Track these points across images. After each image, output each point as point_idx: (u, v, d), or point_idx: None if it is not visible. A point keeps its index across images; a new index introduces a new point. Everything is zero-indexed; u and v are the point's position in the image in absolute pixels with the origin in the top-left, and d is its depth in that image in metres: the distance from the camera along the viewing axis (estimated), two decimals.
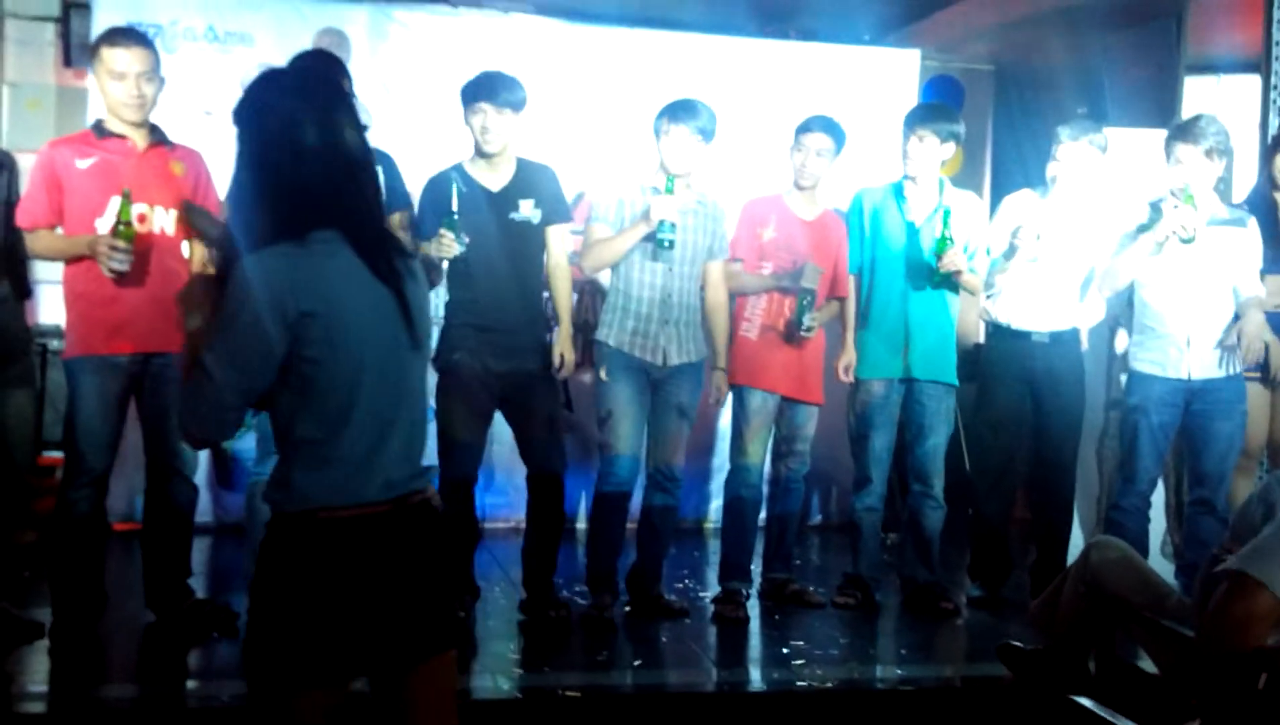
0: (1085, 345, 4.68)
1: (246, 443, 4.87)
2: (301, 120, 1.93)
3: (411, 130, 5.26)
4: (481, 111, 4.00)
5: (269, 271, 1.88)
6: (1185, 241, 4.07)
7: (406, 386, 2.02)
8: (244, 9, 5.11)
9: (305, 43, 5.03)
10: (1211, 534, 4.09)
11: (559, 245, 4.19)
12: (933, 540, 4.49)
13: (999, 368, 4.58)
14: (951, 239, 4.22)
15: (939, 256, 4.21)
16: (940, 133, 4.35)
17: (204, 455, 4.76)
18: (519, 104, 4.04)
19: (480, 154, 4.06)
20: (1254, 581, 1.99)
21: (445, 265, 4.05)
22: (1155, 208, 4.19)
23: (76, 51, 5.32)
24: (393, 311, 1.98)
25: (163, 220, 3.70)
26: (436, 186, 4.06)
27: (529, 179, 4.11)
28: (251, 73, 5.21)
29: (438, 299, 4.22)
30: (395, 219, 4.07)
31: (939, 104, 5.14)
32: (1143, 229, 4.18)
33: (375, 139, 4.81)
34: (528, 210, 4.06)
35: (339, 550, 1.90)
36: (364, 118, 2.06)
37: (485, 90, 4.00)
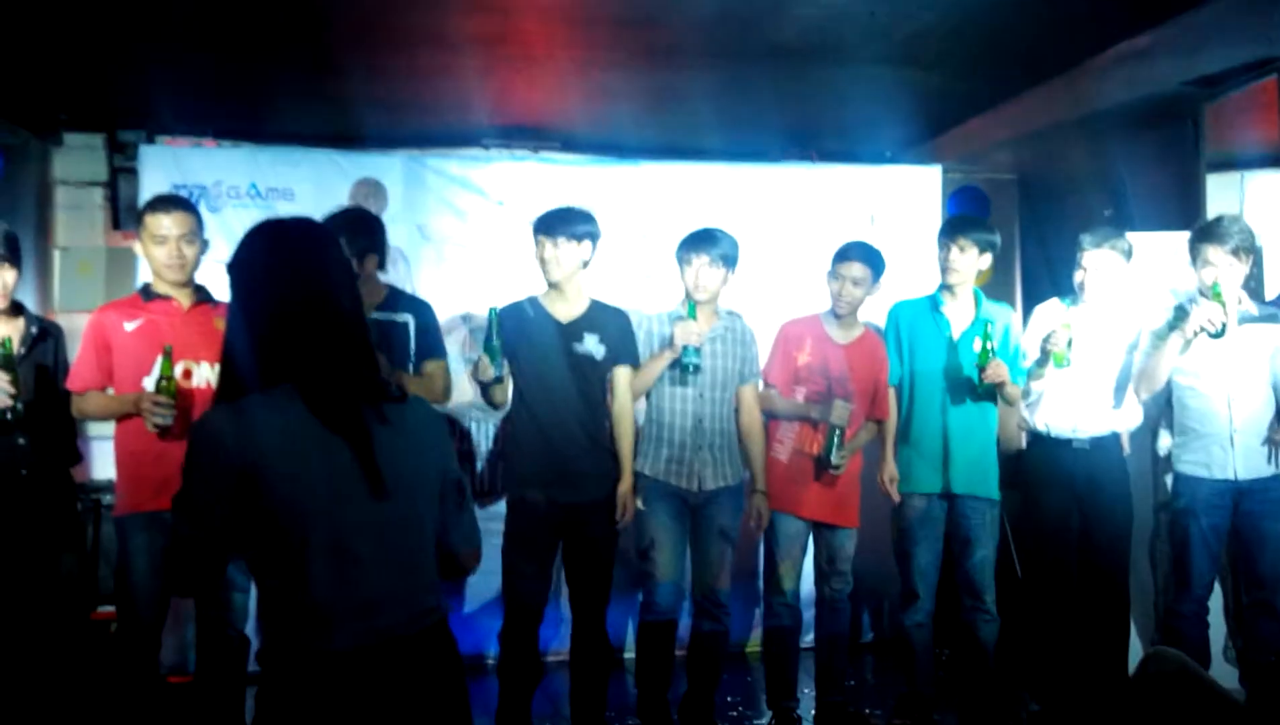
0: (1127, 449, 4.65)
1: None
2: (270, 274, 2.07)
3: (448, 270, 5.42)
4: (540, 244, 4.11)
5: (212, 427, 1.99)
6: (1214, 336, 4.06)
7: (379, 533, 2.02)
8: (284, 165, 5.30)
9: (343, 194, 5.24)
10: (1273, 636, 4.00)
11: (624, 387, 4.21)
12: (989, 653, 4.42)
13: (1042, 475, 4.55)
14: (994, 351, 4.23)
15: (982, 369, 4.21)
16: (980, 243, 4.41)
17: (254, 605, 4.79)
18: (580, 236, 4.14)
19: (550, 284, 4.16)
20: None
21: (508, 391, 4.13)
22: (1181, 309, 4.20)
23: (124, 215, 5.53)
24: (346, 462, 2.00)
25: (207, 375, 3.81)
26: (499, 314, 4.13)
27: (599, 317, 4.20)
28: None
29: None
30: (428, 366, 4.16)
31: (974, 216, 5.20)
32: (1172, 327, 4.19)
33: (405, 283, 4.98)
34: (592, 344, 4.14)
35: (312, 693, 1.95)
36: (389, 269, 2.20)
37: (542, 224, 4.14)
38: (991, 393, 4.32)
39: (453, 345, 5.02)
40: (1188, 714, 3.07)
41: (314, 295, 2.06)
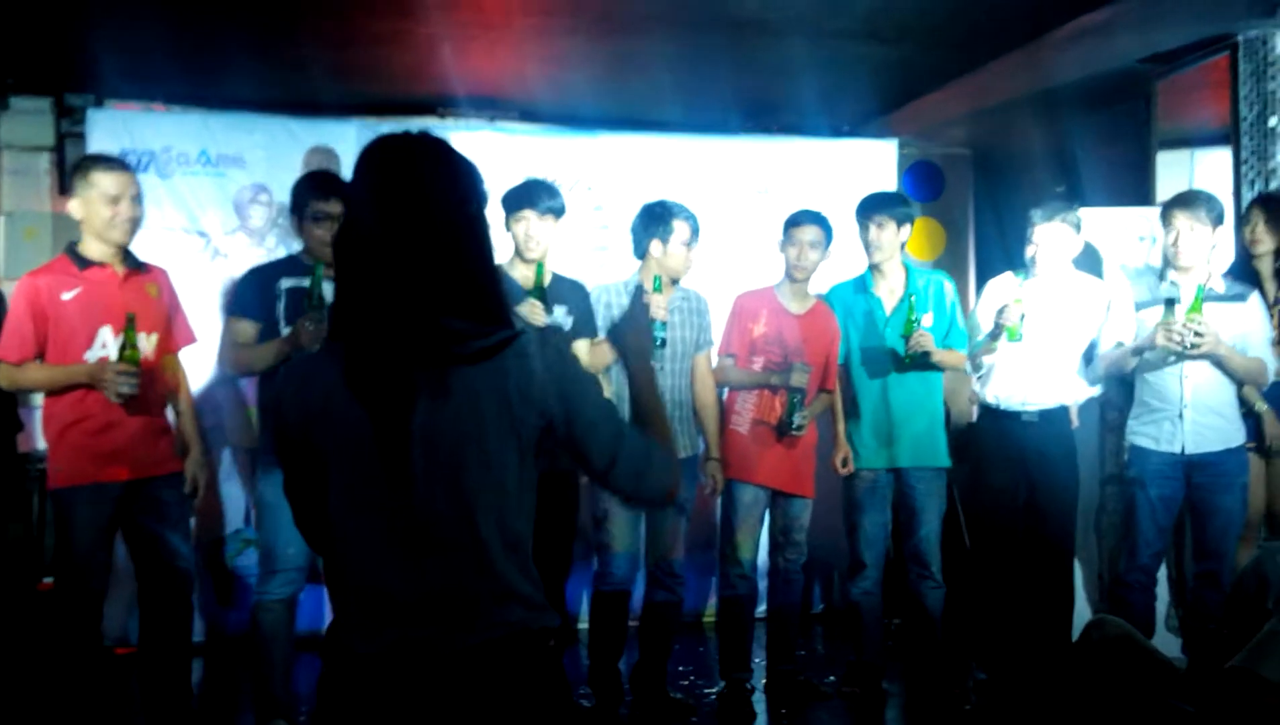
0: (1076, 422, 4.70)
1: (249, 560, 4.90)
2: (352, 200, 1.85)
3: None
4: (525, 219, 4.09)
5: (278, 385, 1.84)
6: (1191, 347, 4.08)
7: (410, 529, 1.72)
8: (236, 131, 5.21)
9: (296, 162, 5.17)
10: (1217, 606, 4.07)
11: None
12: (935, 621, 4.47)
13: (991, 447, 4.59)
14: (917, 321, 4.26)
15: (906, 339, 4.25)
16: (898, 217, 4.44)
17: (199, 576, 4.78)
18: (560, 211, 4.15)
19: (521, 259, 4.14)
20: (1263, 680, 1.94)
21: None
22: (1170, 304, 4.17)
23: (71, 180, 5.42)
24: (366, 437, 1.72)
25: (144, 345, 3.71)
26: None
27: (562, 288, 4.20)
28: (245, 195, 5.34)
29: None
30: None
31: (888, 191, 5.21)
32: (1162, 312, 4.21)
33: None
34: (560, 316, 4.14)
35: (338, 692, 1.75)
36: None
37: (529, 198, 4.11)
38: (925, 362, 4.33)
39: None
40: (1129, 679, 3.13)
41: (380, 224, 1.75)
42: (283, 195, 4.41)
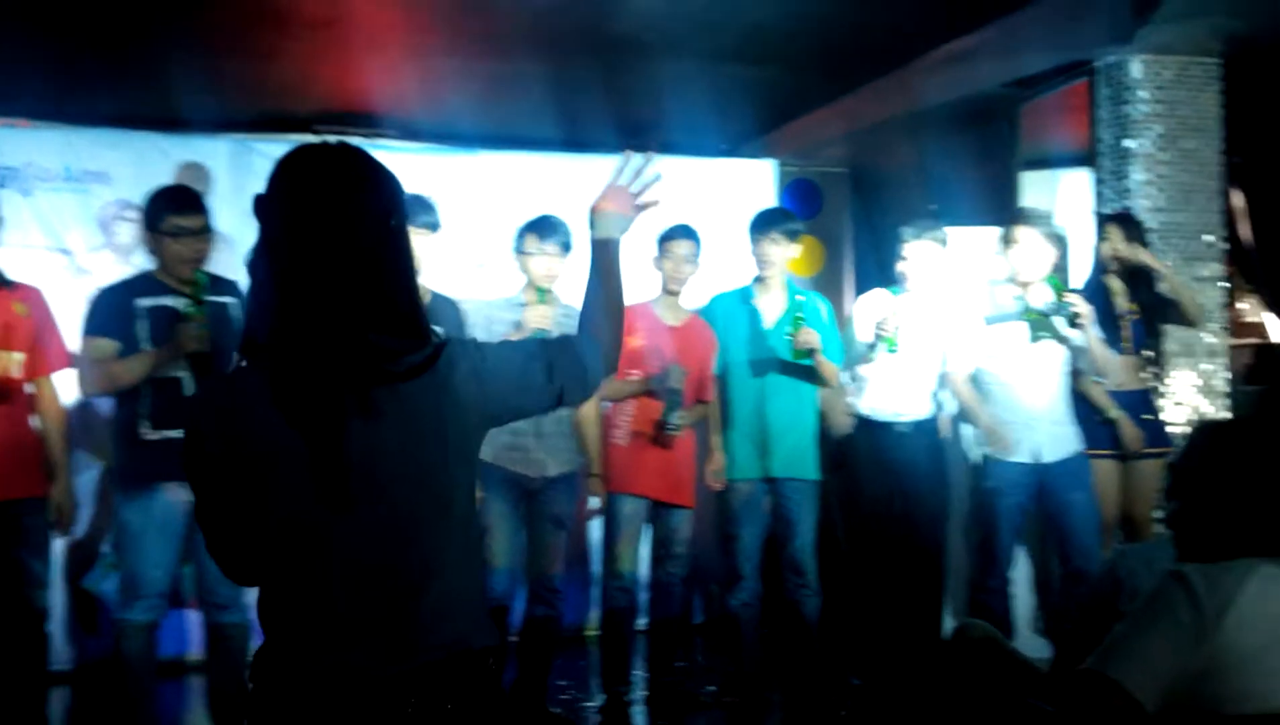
0: (947, 432, 4.84)
1: (110, 584, 4.75)
2: (268, 212, 1.72)
3: None
4: None
5: (191, 406, 1.76)
6: (1072, 323, 4.25)
7: (346, 552, 1.65)
8: (101, 147, 5.08)
9: (166, 177, 5.03)
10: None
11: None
12: (812, 628, 4.52)
13: (865, 457, 4.70)
14: (803, 318, 4.33)
15: (792, 337, 4.31)
16: (790, 234, 4.52)
17: (59, 600, 4.63)
18: (435, 226, 4.10)
19: None
20: (1109, 681, 2.01)
21: None
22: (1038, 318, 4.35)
23: None
24: (300, 461, 1.64)
25: (6, 363, 3.61)
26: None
27: (439, 307, 4.15)
28: (110, 211, 5.19)
29: None
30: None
31: (781, 208, 5.32)
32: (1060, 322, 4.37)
33: (232, 270, 4.85)
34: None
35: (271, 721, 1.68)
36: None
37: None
38: (809, 371, 4.41)
39: None
40: (993, 681, 3.21)
41: (302, 239, 1.67)
42: None
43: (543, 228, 4.28)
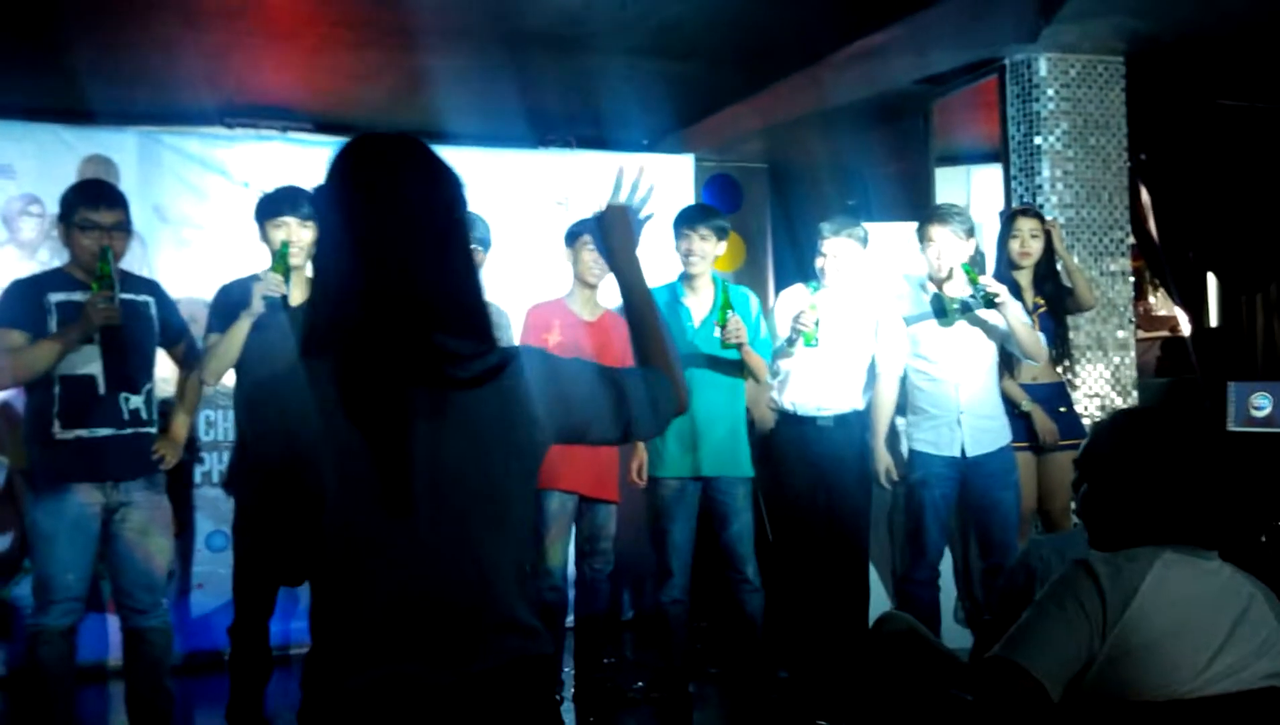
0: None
1: (23, 589, 4.61)
2: (330, 206, 1.68)
3: (189, 254, 5.18)
4: (285, 225, 3.94)
5: (244, 410, 1.74)
6: (989, 304, 4.29)
7: (405, 558, 1.61)
8: (3, 140, 4.92)
9: (71, 171, 4.91)
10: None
11: None
12: (756, 625, 4.49)
13: (789, 452, 4.71)
14: (732, 307, 4.33)
15: (722, 327, 4.29)
16: (718, 231, 4.51)
17: None
18: (314, 217, 4.00)
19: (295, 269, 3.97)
20: (1016, 667, 2.04)
21: (224, 366, 3.80)
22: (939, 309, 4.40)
23: None
24: (363, 463, 1.60)
25: None
26: (237, 287, 3.92)
27: None
28: (14, 206, 5.05)
29: None
30: (178, 350, 3.97)
31: (706, 204, 5.33)
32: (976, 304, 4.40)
33: (141, 267, 4.73)
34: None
35: None
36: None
37: (289, 204, 3.94)
38: (737, 365, 4.41)
39: (194, 330, 4.78)
40: (914, 671, 3.26)
41: (365, 232, 1.62)
42: (55, 206, 4.18)
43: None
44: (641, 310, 1.91)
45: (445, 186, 1.70)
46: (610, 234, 1.95)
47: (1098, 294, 5.26)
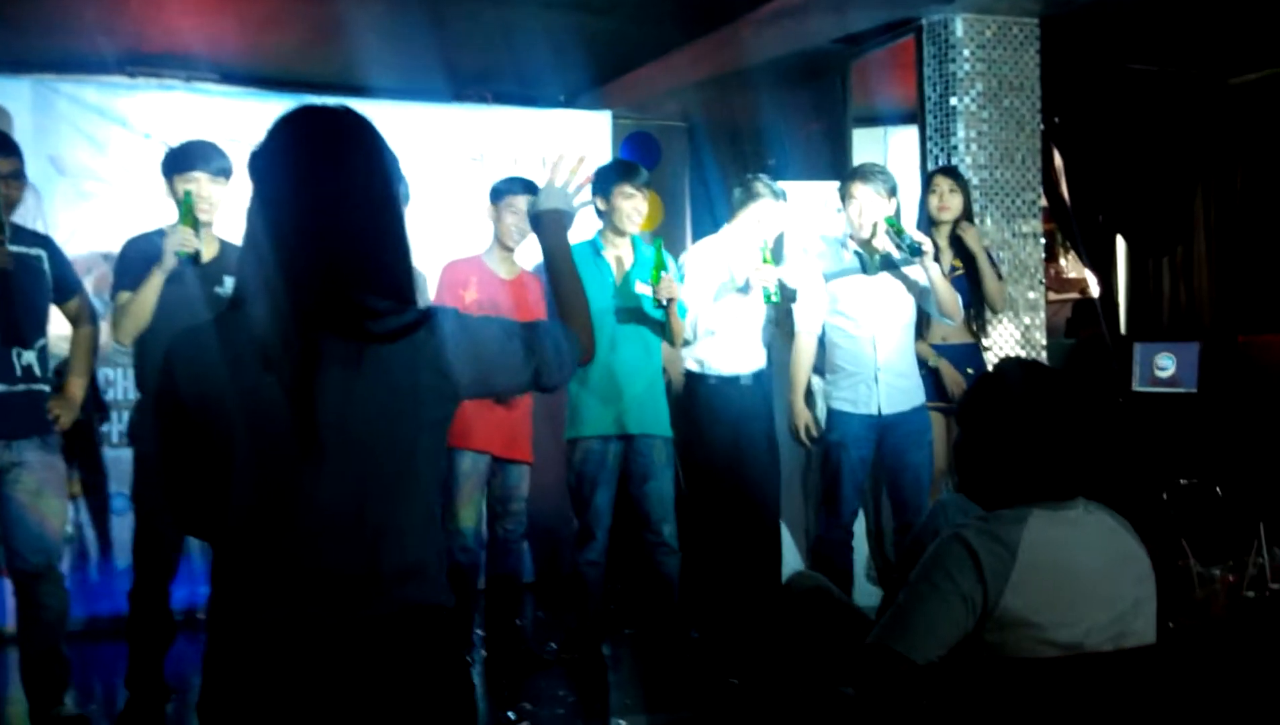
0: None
1: None
2: (267, 168, 1.76)
3: (88, 207, 5.01)
4: (195, 180, 3.81)
5: (170, 348, 1.76)
6: (914, 252, 4.29)
7: (313, 501, 1.66)
8: None
9: None
10: None
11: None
12: (673, 586, 4.46)
13: (702, 412, 4.68)
14: (666, 266, 4.28)
15: (655, 287, 4.23)
16: (643, 186, 4.46)
17: None
18: (229, 172, 3.88)
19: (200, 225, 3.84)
20: (895, 654, 2.04)
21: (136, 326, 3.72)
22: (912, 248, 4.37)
23: None
24: (276, 411, 1.65)
25: None
26: (144, 242, 3.81)
27: (233, 258, 3.92)
28: None
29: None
30: (70, 306, 3.84)
31: (627, 160, 5.27)
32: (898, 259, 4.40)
33: (36, 219, 4.57)
34: (232, 286, 3.88)
35: (225, 668, 1.70)
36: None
37: (199, 158, 3.82)
38: (660, 325, 4.38)
39: (90, 285, 4.63)
40: (823, 630, 3.29)
41: (307, 196, 1.71)
42: None
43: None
44: (569, 296, 2.00)
45: (385, 161, 1.80)
46: (546, 234, 2.04)
47: (1008, 255, 5.32)
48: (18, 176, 3.63)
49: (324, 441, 1.66)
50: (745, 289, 4.41)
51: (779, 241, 4.89)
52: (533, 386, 1.89)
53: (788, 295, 4.46)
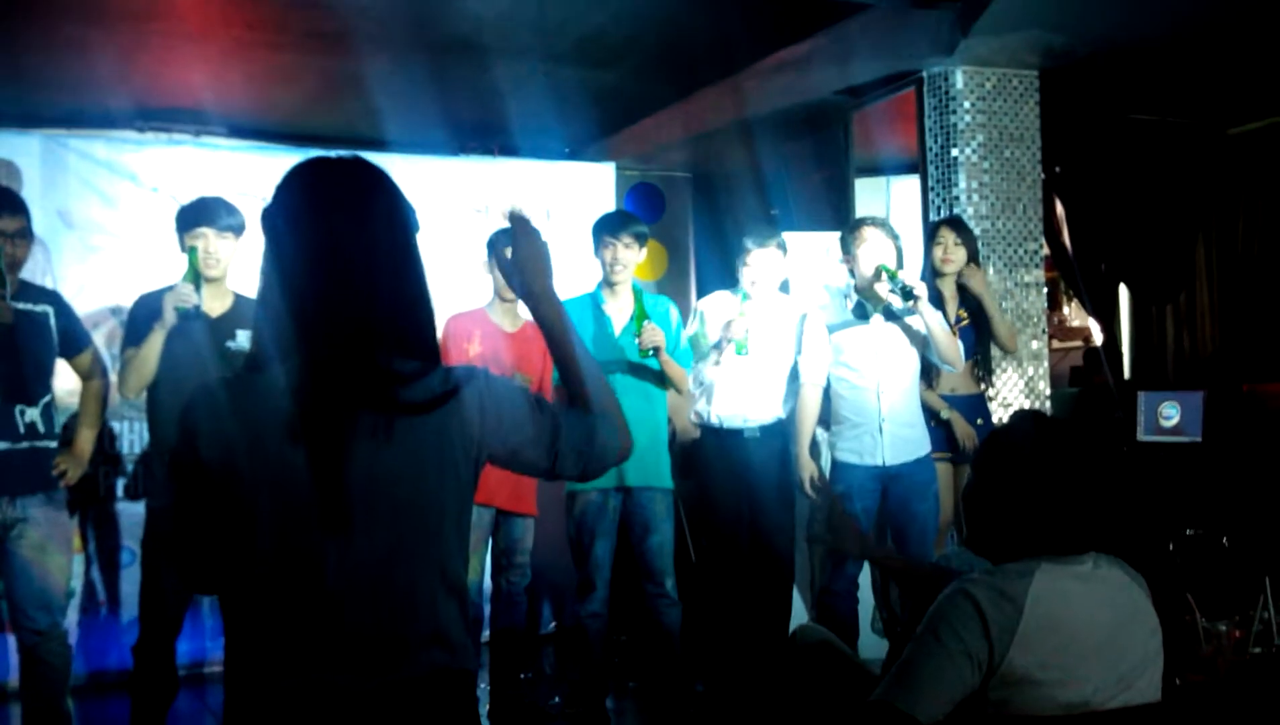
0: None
1: None
2: (288, 224, 1.70)
3: (97, 261, 5.05)
4: (202, 236, 3.86)
5: (188, 410, 1.68)
6: (907, 296, 4.29)
7: (341, 572, 1.63)
8: None
9: None
10: None
11: None
12: (674, 638, 4.44)
13: (714, 464, 4.67)
14: (648, 314, 4.29)
15: (638, 334, 4.24)
16: (641, 238, 4.48)
17: None
18: (239, 228, 3.93)
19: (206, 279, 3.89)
20: (899, 713, 2.03)
21: (143, 379, 3.76)
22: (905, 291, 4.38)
23: None
24: (302, 477, 1.61)
25: None
26: (153, 299, 3.83)
27: (246, 312, 3.97)
28: None
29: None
30: (80, 361, 3.87)
31: (625, 211, 5.30)
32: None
33: (45, 274, 4.61)
34: (244, 340, 3.92)
35: None
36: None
37: (206, 215, 3.87)
38: (657, 375, 4.39)
39: (100, 339, 4.66)
40: (826, 683, 3.27)
41: (328, 254, 1.65)
42: None
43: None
44: (566, 357, 1.90)
45: (404, 211, 1.75)
46: (524, 282, 1.90)
47: (1011, 304, 5.33)
48: (24, 235, 3.66)
49: (352, 509, 1.63)
50: (719, 344, 4.42)
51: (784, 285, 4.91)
52: (549, 471, 1.82)
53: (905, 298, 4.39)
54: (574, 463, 1.82)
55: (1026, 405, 5.43)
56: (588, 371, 1.90)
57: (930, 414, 4.65)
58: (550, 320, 1.89)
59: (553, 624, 5.95)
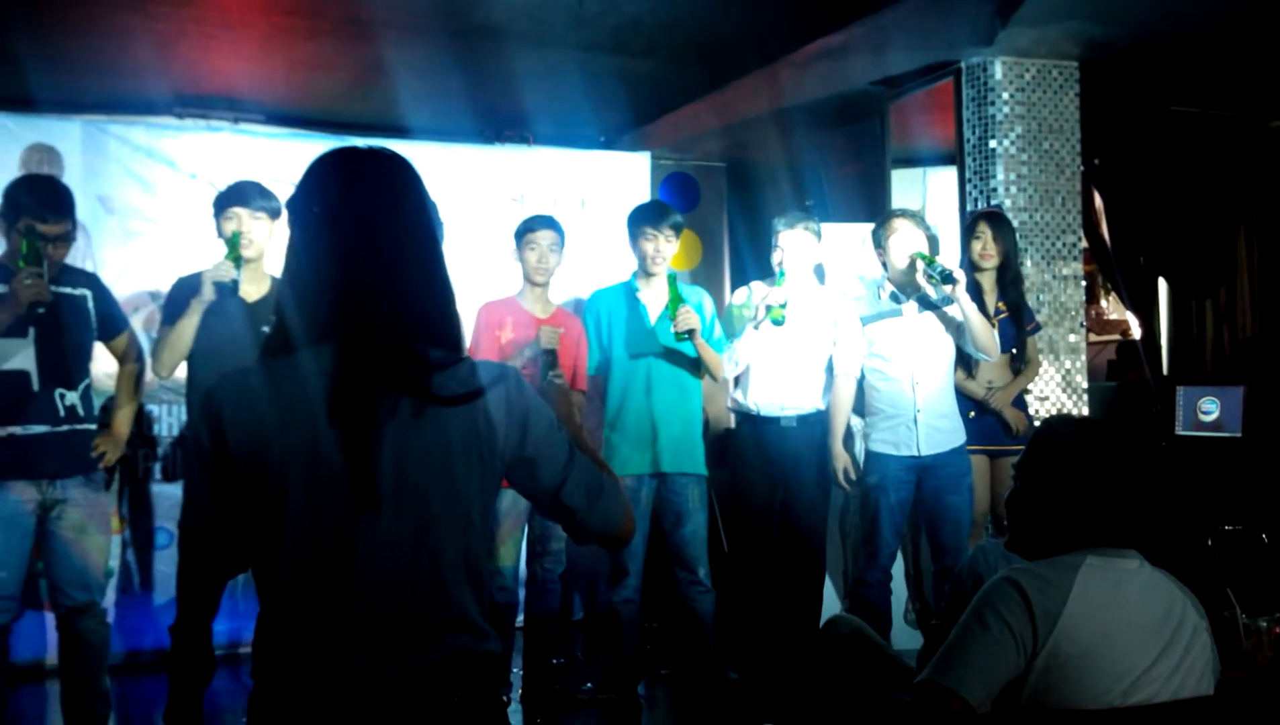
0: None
1: None
2: (317, 212, 1.73)
3: (136, 246, 5.09)
4: (236, 217, 3.93)
5: (210, 398, 1.69)
6: (946, 280, 4.28)
7: (370, 552, 1.65)
8: None
9: (13, 160, 4.82)
10: None
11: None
12: (706, 626, 4.46)
13: (748, 453, 4.66)
14: (684, 298, 4.29)
15: (673, 319, 4.24)
16: (678, 228, 4.49)
17: None
18: (274, 211, 3.99)
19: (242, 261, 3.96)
20: (946, 690, 2.05)
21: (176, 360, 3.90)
22: (943, 275, 4.34)
23: None
24: (332, 460, 1.64)
25: None
26: (191, 280, 3.92)
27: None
28: None
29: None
30: (117, 344, 3.91)
31: (661, 201, 5.30)
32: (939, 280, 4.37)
33: (85, 258, 4.65)
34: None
35: (286, 717, 1.68)
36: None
37: (238, 196, 3.97)
38: (692, 361, 4.38)
39: (138, 323, 4.71)
40: (860, 674, 3.26)
41: (366, 242, 1.69)
42: None
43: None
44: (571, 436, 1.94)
45: (426, 201, 1.79)
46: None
47: (1049, 297, 5.28)
48: (65, 239, 3.66)
49: (381, 492, 1.66)
50: (756, 320, 4.39)
51: (818, 270, 4.89)
52: (551, 502, 1.82)
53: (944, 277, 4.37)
54: (581, 496, 1.83)
55: (1064, 399, 5.39)
56: (584, 443, 1.92)
57: (966, 407, 4.62)
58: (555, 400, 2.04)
59: (582, 612, 5.96)
